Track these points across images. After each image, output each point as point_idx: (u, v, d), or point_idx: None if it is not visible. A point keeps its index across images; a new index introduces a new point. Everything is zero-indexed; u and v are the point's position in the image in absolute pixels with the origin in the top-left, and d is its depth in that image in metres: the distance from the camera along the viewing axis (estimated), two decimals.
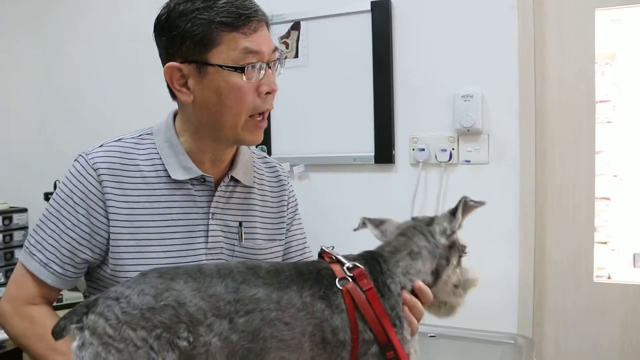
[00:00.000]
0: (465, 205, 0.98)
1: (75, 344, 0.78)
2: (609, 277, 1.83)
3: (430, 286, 0.96)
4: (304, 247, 1.27)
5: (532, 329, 1.77)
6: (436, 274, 0.98)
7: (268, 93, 1.02)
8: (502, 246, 1.79)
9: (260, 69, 1.00)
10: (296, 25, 2.06)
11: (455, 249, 1.01)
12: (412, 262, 0.95)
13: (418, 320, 0.95)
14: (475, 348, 1.62)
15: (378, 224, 1.05)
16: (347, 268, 0.89)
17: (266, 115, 1.06)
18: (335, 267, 0.90)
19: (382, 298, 0.90)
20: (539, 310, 1.79)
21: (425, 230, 0.99)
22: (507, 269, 1.78)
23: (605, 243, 1.86)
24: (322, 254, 0.96)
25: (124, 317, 0.77)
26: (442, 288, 1.01)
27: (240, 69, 0.98)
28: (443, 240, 0.98)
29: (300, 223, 1.28)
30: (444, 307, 1.04)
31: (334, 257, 0.93)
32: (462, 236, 1.02)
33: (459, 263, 1.02)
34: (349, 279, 0.88)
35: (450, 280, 1.01)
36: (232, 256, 1.12)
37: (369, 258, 0.95)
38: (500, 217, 1.79)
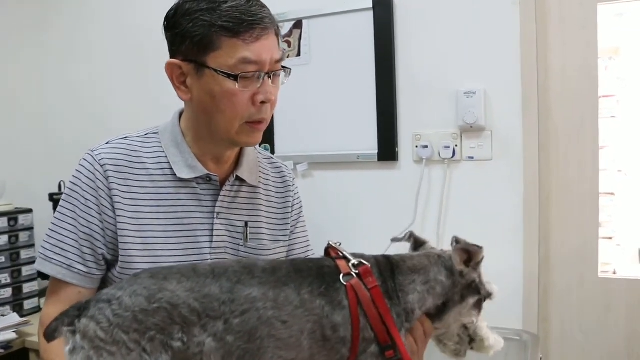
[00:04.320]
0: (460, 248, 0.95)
1: (67, 348, 0.77)
2: (614, 273, 1.82)
3: (432, 319, 0.95)
4: (307, 250, 1.27)
5: (537, 325, 1.77)
6: (443, 308, 0.95)
7: (263, 102, 1.01)
8: (506, 242, 1.78)
9: (258, 78, 0.98)
10: (298, 24, 2.06)
11: (472, 289, 0.96)
12: (427, 295, 0.93)
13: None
14: None
15: (419, 245, 1.03)
16: (353, 265, 0.89)
17: (263, 122, 1.04)
18: (341, 263, 0.90)
19: (390, 302, 0.89)
20: (544, 306, 1.79)
21: (448, 264, 0.95)
22: (511, 265, 1.78)
23: (610, 238, 1.86)
24: (328, 249, 0.96)
25: (115, 319, 0.76)
26: (446, 327, 0.97)
27: (234, 77, 0.96)
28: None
29: (304, 225, 1.27)
30: (442, 348, 1.00)
31: (340, 254, 0.92)
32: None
33: (477, 308, 0.97)
34: (354, 275, 0.88)
35: (457, 323, 0.97)
36: (237, 256, 1.11)
37: (383, 260, 0.94)
38: (504, 213, 1.79)
